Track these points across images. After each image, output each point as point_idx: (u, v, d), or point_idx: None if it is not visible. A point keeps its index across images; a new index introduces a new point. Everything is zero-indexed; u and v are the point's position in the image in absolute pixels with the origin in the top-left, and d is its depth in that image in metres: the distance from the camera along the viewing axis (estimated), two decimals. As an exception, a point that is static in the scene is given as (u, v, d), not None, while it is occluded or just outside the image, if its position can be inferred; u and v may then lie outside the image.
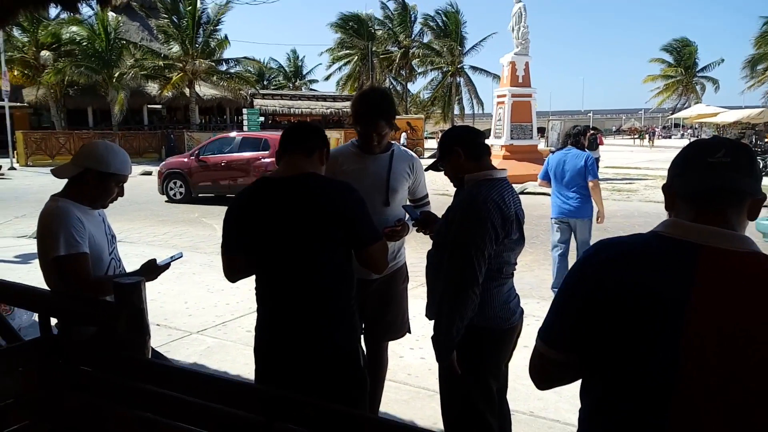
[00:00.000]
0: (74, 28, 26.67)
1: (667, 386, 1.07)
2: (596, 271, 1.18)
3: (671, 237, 1.15)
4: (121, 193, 2.38)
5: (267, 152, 12.70)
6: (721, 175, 1.13)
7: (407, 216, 2.65)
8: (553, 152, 6.04)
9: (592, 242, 5.57)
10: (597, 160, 18.61)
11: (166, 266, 2.39)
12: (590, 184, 5.46)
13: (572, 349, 1.24)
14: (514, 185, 2.30)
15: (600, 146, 17.62)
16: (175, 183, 13.46)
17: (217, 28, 29.60)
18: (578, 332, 1.20)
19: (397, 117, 33.12)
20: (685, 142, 35.82)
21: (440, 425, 2.38)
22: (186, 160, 13.45)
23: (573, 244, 5.74)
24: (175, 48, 28.57)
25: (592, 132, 5.85)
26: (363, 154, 2.68)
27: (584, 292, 1.19)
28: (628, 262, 1.15)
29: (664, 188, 1.24)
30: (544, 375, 1.34)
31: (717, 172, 1.13)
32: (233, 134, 14.65)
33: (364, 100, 2.60)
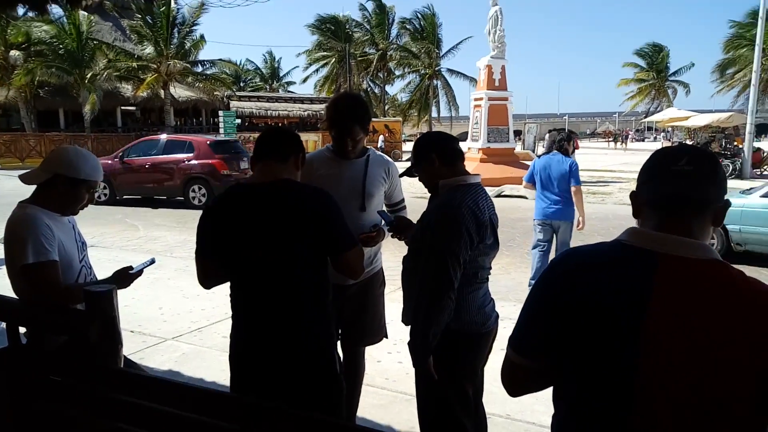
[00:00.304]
0: (45, 27, 26.09)
1: (629, 390, 1.10)
2: (562, 280, 1.22)
3: (633, 245, 1.18)
4: (91, 200, 2.34)
5: (192, 155, 13.11)
6: (684, 184, 1.16)
7: (382, 221, 2.66)
8: (539, 157, 6.26)
9: (572, 244, 5.84)
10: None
11: (139, 273, 2.36)
12: (573, 189, 5.65)
13: (542, 356, 1.26)
14: (490, 188, 2.33)
15: (576, 150, 17.91)
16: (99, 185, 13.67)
17: (193, 29, 29.29)
18: (546, 339, 1.23)
19: (375, 120, 33.19)
20: (657, 145, 36.59)
21: (417, 429, 2.39)
22: (110, 162, 13.55)
23: (554, 244, 5.88)
24: (149, 49, 28.18)
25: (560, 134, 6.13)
26: (338, 159, 2.68)
27: (551, 299, 1.22)
28: (591, 271, 1.19)
29: (632, 195, 1.27)
30: (516, 382, 1.36)
31: (680, 180, 1.16)
32: (160, 137, 14.95)
33: (337, 106, 2.60)
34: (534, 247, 5.87)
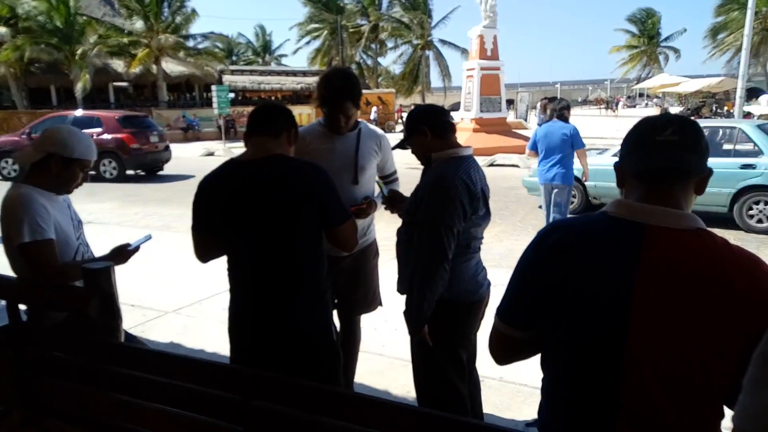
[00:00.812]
0: (34, 3, 25.61)
1: (618, 358, 1.12)
2: (549, 252, 1.22)
3: (619, 217, 1.19)
4: (86, 178, 2.35)
5: (100, 129, 13.38)
6: (669, 155, 1.16)
7: (375, 192, 2.68)
8: (539, 125, 6.57)
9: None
10: None
11: (136, 249, 2.39)
12: (578, 152, 6.21)
13: (529, 327, 1.28)
14: (483, 157, 2.36)
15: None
16: (6, 162, 14.11)
17: (184, 3, 28.79)
18: (534, 312, 1.25)
19: (368, 92, 32.87)
20: (649, 111, 36.40)
21: (413, 394, 2.46)
22: (17, 138, 13.82)
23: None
24: (139, 23, 27.71)
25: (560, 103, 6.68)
26: (330, 133, 2.69)
27: (538, 274, 1.23)
28: (578, 243, 1.20)
29: (616, 166, 1.27)
30: (503, 351, 1.38)
31: (664, 150, 1.16)
32: (70, 113, 15.23)
33: (329, 83, 2.58)
34: (545, 207, 6.41)
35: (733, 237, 6.79)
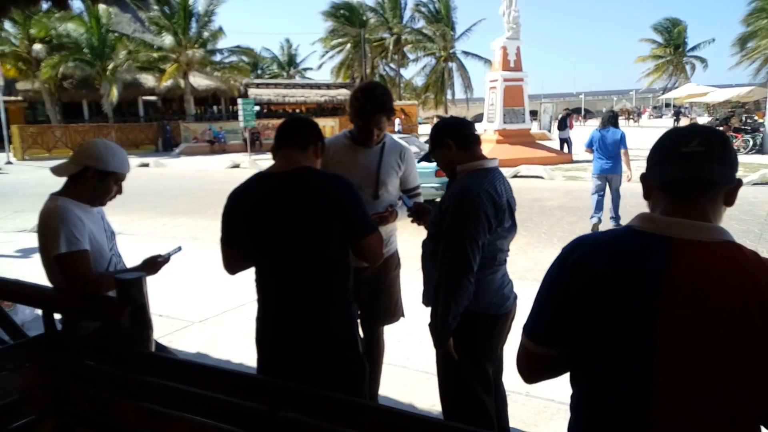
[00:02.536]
0: (71, 26, 26.48)
1: (648, 377, 1.10)
2: (573, 269, 1.20)
3: (644, 231, 1.17)
4: (119, 191, 2.42)
5: None
6: (695, 166, 1.13)
7: (399, 202, 2.69)
8: (599, 130, 8.34)
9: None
10: (566, 140, 18.78)
11: (167, 260, 2.44)
12: (622, 152, 7.94)
13: (557, 344, 1.26)
14: (507, 169, 2.36)
15: (572, 128, 18.23)
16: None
17: (211, 18, 29.41)
18: (561, 328, 1.23)
19: (392, 104, 33.08)
20: (671, 122, 35.60)
21: (439, 407, 2.45)
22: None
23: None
24: (168, 39, 28.37)
25: (566, 111, 8.82)
26: (355, 146, 2.71)
27: (563, 289, 1.22)
28: (603, 259, 1.17)
29: (642, 178, 1.25)
30: (532, 369, 1.36)
31: (691, 162, 1.13)
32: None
33: (368, 96, 2.59)
34: (594, 193, 8.14)
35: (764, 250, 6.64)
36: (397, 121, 29.20)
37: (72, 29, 26.83)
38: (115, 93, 26.62)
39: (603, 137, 8.04)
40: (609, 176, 8.12)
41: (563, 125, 19.48)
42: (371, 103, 2.58)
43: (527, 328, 1.32)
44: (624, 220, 7.67)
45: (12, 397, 1.98)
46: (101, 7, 25.77)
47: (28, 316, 4.31)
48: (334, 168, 2.49)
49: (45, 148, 24.89)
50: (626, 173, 7.99)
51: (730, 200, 1.18)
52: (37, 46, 26.75)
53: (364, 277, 2.72)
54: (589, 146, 8.36)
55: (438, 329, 2.17)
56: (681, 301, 1.08)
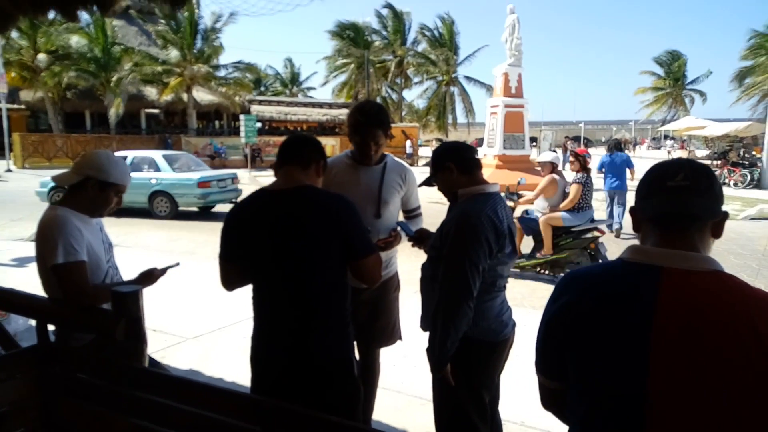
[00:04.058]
0: (75, 38, 26.72)
1: (640, 408, 1.10)
2: (567, 302, 1.23)
3: (635, 262, 1.19)
4: (119, 203, 2.41)
5: None
6: (681, 200, 1.16)
7: (398, 228, 2.70)
8: (608, 155, 10.34)
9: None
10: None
11: (163, 272, 2.42)
12: (630, 170, 10.19)
13: (559, 377, 1.29)
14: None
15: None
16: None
17: (217, 36, 29.71)
18: (558, 362, 1.26)
19: (392, 125, 33.41)
20: (663, 154, 35.58)
21: (433, 434, 2.42)
22: None
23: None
24: (174, 53, 28.61)
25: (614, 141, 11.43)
26: (357, 165, 2.73)
27: (555, 325, 1.25)
28: (595, 291, 1.20)
29: (632, 211, 1.28)
30: (550, 402, 1.39)
31: (676, 196, 1.16)
32: None
33: (362, 111, 2.65)
34: (607, 205, 10.23)
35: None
36: (408, 143, 29.49)
37: (76, 41, 27.02)
38: (120, 104, 26.75)
39: (612, 161, 10.05)
40: (616, 192, 10.04)
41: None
42: (364, 116, 2.62)
43: (535, 362, 1.36)
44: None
45: (1, 409, 1.95)
46: (107, 19, 26.03)
47: (21, 326, 4.27)
48: (336, 187, 2.50)
49: (45, 157, 24.90)
50: (633, 176, 10.12)
51: (717, 232, 1.20)
52: (42, 56, 26.94)
53: (362, 299, 2.71)
54: (600, 169, 10.31)
55: (436, 354, 2.15)
56: (672, 329, 1.09)
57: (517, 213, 7.18)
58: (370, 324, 2.81)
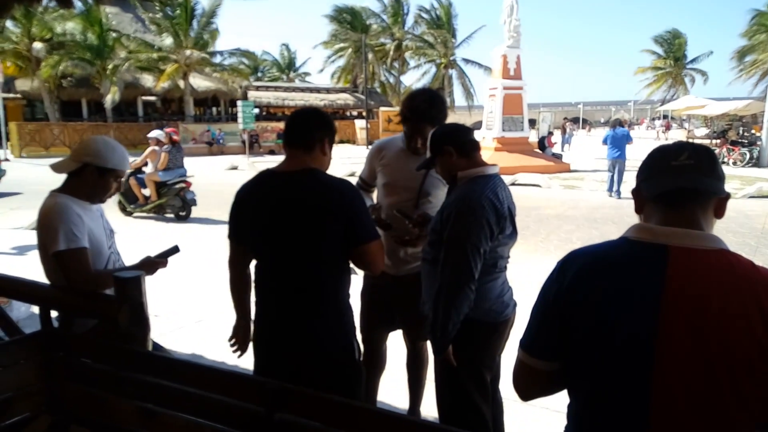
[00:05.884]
0: (70, 24, 26.45)
1: (646, 384, 1.11)
2: (571, 280, 1.21)
3: (640, 240, 1.19)
4: (119, 189, 2.41)
5: None
6: (686, 177, 1.17)
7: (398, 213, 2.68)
8: (612, 129, 13.06)
9: (587, 236, 6.61)
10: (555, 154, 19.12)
11: (165, 260, 2.43)
12: (628, 144, 12.70)
13: (554, 357, 1.26)
14: (505, 176, 2.34)
15: (551, 147, 20.00)
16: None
17: (212, 21, 29.40)
18: (558, 340, 1.23)
19: (388, 109, 32.94)
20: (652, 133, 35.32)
21: (435, 413, 2.44)
22: None
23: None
24: (169, 40, 28.36)
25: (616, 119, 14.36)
26: (407, 150, 2.68)
27: (561, 304, 1.22)
28: (601, 269, 1.19)
29: (633, 192, 1.28)
30: (528, 384, 1.35)
31: (681, 173, 1.17)
32: None
33: (412, 104, 2.60)
34: (609, 171, 12.74)
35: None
36: None
37: (72, 28, 26.76)
38: (116, 92, 26.57)
39: (614, 134, 12.63)
40: (617, 161, 12.46)
41: (542, 146, 19.47)
42: (411, 111, 2.59)
43: (524, 342, 1.32)
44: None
45: (6, 394, 1.97)
46: (102, 6, 25.76)
47: (23, 313, 4.29)
48: (381, 167, 2.46)
49: (43, 145, 24.80)
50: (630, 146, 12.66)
51: (719, 212, 1.21)
52: (37, 45, 26.69)
53: (402, 290, 2.68)
54: (604, 142, 13.01)
55: (437, 336, 2.16)
56: (679, 307, 1.09)
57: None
58: (412, 317, 2.69)
